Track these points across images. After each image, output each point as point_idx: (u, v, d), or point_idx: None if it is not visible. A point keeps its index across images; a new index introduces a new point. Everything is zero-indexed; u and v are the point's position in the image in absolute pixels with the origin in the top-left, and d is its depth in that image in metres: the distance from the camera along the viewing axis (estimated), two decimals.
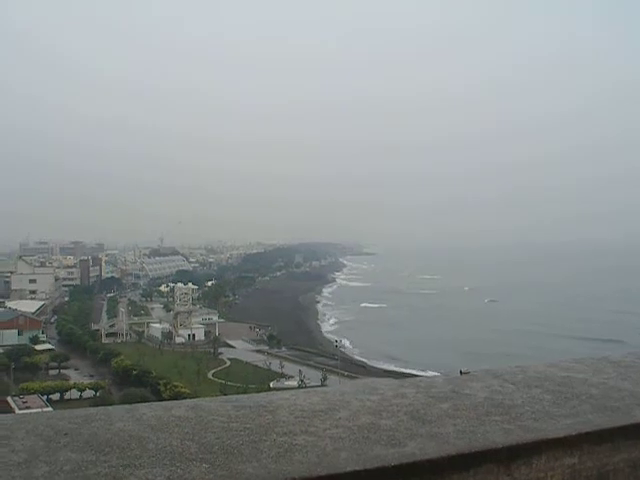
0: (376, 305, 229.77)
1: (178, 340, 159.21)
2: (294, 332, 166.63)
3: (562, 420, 4.61)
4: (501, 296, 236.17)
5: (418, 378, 6.13)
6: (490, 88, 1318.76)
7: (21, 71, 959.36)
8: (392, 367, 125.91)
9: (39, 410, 64.75)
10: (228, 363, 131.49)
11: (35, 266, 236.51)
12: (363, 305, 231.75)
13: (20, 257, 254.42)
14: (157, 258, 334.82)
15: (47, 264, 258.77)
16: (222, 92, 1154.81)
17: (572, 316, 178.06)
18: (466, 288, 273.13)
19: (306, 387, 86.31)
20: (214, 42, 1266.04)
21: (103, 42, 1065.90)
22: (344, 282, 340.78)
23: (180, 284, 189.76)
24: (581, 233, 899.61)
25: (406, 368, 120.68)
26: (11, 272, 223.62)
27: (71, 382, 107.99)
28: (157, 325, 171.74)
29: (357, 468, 3.78)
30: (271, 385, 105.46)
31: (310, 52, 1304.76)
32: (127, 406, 4.86)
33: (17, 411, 74.09)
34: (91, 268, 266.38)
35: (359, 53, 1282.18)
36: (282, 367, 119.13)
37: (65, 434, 4.11)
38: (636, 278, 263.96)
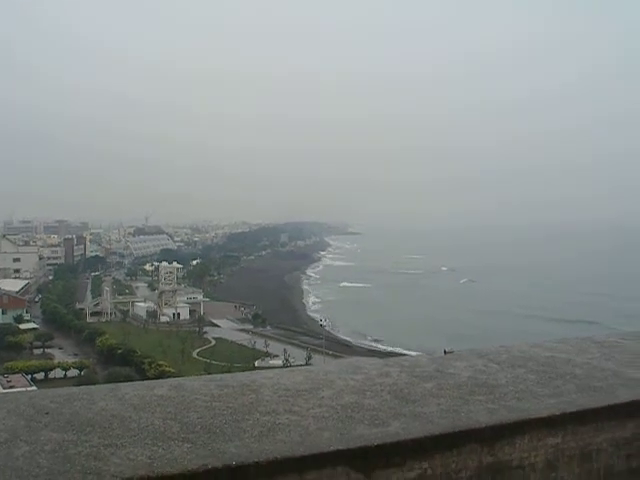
0: (360, 285, 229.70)
1: (163, 319, 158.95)
2: (279, 311, 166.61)
3: (546, 400, 4.63)
4: (481, 277, 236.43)
5: (402, 357, 6.14)
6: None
7: (16, 38, 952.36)
8: (376, 346, 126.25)
9: (22, 389, 64.71)
10: (213, 342, 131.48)
11: (19, 245, 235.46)
12: (347, 285, 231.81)
13: (4, 236, 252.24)
14: (142, 237, 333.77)
15: (31, 243, 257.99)
16: (205, 62, 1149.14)
17: (552, 298, 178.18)
18: (444, 268, 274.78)
19: (291, 366, 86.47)
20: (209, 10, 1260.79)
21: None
22: (329, 261, 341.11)
23: (165, 263, 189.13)
24: (581, 213, 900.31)
25: (390, 347, 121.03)
26: None
27: (55, 361, 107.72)
28: (142, 304, 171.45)
29: (340, 447, 3.79)
30: (256, 364, 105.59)
31: (297, 24, 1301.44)
32: (110, 385, 4.86)
33: (1, 390, 73.99)
34: (75, 247, 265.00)
35: (347, 28, 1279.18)
36: (267, 346, 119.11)
37: (46, 413, 4.11)
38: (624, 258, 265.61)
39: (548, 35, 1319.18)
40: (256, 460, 3.49)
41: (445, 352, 6.04)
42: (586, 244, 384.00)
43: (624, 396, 4.79)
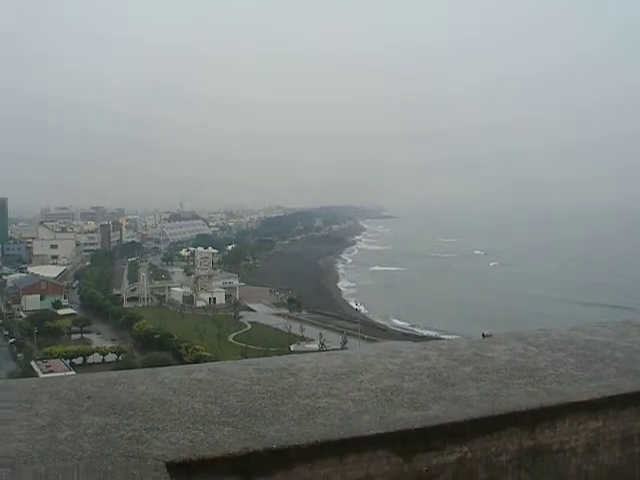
0: (394, 268, 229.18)
1: (199, 304, 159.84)
2: (314, 295, 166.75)
3: (586, 383, 4.60)
4: (512, 259, 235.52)
5: (440, 341, 6.13)
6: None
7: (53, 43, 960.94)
8: (412, 329, 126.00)
9: (62, 374, 65.49)
10: (249, 326, 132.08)
11: (56, 232, 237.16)
12: (381, 268, 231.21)
13: (41, 223, 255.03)
14: (177, 222, 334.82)
15: (68, 229, 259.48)
16: (237, 51, 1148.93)
17: (580, 280, 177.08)
18: (477, 252, 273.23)
19: (327, 350, 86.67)
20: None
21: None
22: (364, 245, 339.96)
23: (200, 248, 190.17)
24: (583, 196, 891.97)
25: (425, 331, 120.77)
26: (33, 238, 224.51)
27: (93, 346, 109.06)
28: (178, 289, 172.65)
29: (380, 431, 3.79)
30: (291, 348, 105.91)
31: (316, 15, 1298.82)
32: (149, 369, 4.90)
33: (40, 375, 74.86)
34: (112, 233, 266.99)
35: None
36: (302, 330, 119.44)
37: (88, 397, 4.15)
38: None
39: (534, 19, 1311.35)
40: (296, 443, 3.50)
41: (483, 335, 6.01)
42: (603, 225, 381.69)
43: None
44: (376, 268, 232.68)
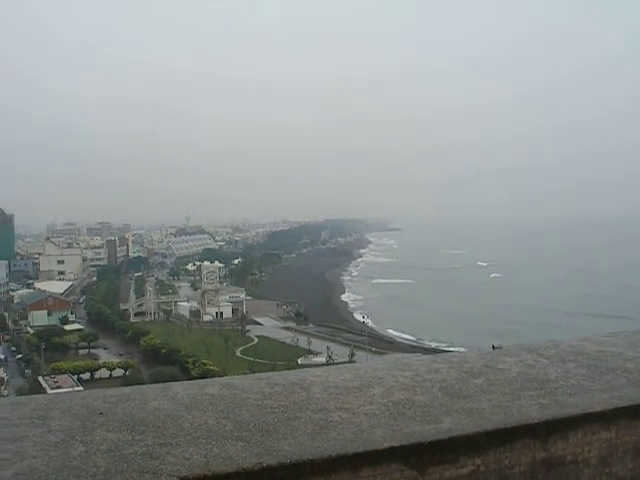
0: (401, 281, 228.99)
1: (206, 318, 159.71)
2: (321, 308, 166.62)
3: (598, 394, 4.59)
4: (514, 271, 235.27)
5: (450, 353, 6.15)
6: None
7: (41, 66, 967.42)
8: (420, 342, 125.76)
9: (70, 389, 65.51)
10: (256, 340, 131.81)
11: (63, 247, 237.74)
12: (387, 281, 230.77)
13: (48, 238, 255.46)
14: (183, 237, 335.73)
15: (74, 245, 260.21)
16: (239, 72, 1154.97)
17: (580, 291, 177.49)
18: (481, 263, 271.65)
19: (334, 363, 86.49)
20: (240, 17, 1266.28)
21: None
22: (370, 258, 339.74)
23: (207, 262, 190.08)
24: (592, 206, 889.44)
25: (434, 343, 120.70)
26: (39, 254, 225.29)
27: (101, 361, 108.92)
28: (185, 303, 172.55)
29: (394, 444, 3.80)
30: (299, 361, 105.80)
31: (325, 28, 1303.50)
32: (161, 385, 4.91)
33: (49, 391, 74.88)
34: (118, 248, 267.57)
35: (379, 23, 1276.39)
36: (310, 344, 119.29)
37: (100, 413, 4.16)
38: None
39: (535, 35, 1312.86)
40: (310, 458, 3.51)
41: (494, 347, 6.01)
42: (608, 235, 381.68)
43: None
44: (382, 281, 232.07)
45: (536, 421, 4.16)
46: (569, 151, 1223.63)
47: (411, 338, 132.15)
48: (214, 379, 5.19)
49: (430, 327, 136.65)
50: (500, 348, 6.04)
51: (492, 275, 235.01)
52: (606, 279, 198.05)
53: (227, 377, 5.36)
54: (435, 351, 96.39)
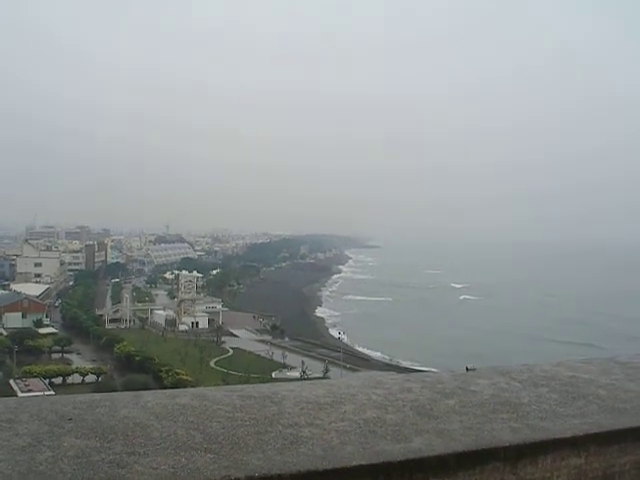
0: (379, 299, 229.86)
1: (181, 327, 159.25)
2: (297, 323, 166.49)
3: (569, 420, 4.59)
4: (487, 293, 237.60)
5: (424, 373, 6.13)
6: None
7: (27, 60, 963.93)
8: (395, 361, 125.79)
9: (41, 394, 65.02)
10: (231, 352, 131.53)
11: (41, 250, 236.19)
12: (366, 298, 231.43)
13: (26, 240, 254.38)
14: (162, 245, 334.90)
15: (53, 248, 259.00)
16: (224, 82, 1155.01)
17: (551, 316, 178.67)
18: (455, 285, 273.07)
19: (309, 378, 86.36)
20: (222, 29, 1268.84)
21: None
22: (349, 274, 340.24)
23: (185, 272, 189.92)
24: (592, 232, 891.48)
25: (408, 362, 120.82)
26: (17, 255, 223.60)
27: (73, 366, 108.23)
28: (161, 312, 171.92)
29: (363, 462, 3.77)
30: (273, 375, 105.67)
31: (307, 44, 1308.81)
32: (132, 393, 4.86)
33: (19, 394, 74.40)
34: (96, 253, 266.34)
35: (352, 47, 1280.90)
36: (285, 357, 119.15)
37: (69, 419, 4.12)
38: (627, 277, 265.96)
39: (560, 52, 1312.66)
40: (279, 473, 3.47)
41: (467, 369, 6.01)
42: (608, 260, 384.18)
43: None
44: (359, 297, 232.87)
45: (507, 444, 4.14)
46: (581, 177, 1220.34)
47: (384, 356, 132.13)
48: (186, 389, 5.15)
49: (402, 346, 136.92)
50: (474, 370, 6.04)
51: (462, 297, 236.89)
52: (583, 305, 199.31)
53: (199, 388, 5.33)
54: (409, 370, 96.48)
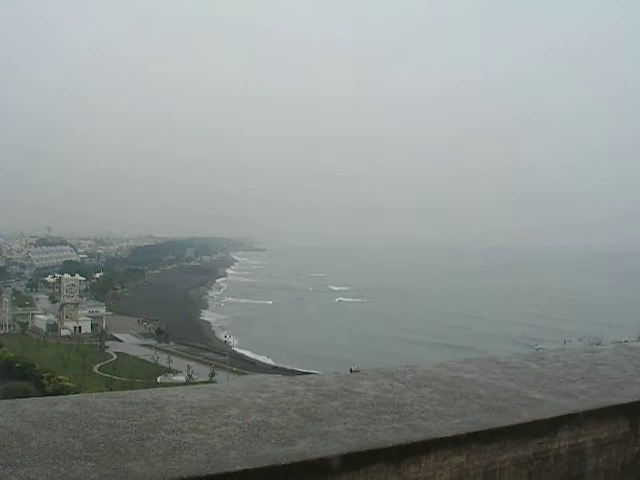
0: (265, 302, 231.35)
1: (64, 332, 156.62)
2: (183, 326, 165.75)
3: (451, 419, 4.66)
4: (364, 297, 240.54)
5: (308, 376, 6.11)
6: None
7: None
8: (282, 365, 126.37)
9: None
10: (115, 357, 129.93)
11: None
12: (251, 301, 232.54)
13: None
14: (44, 248, 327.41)
15: None
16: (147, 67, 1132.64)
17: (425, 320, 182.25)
18: (333, 287, 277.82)
19: (195, 383, 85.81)
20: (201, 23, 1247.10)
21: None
22: (235, 277, 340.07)
23: (67, 275, 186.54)
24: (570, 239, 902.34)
25: (295, 366, 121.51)
26: None
27: None
28: (42, 316, 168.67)
29: (247, 467, 3.73)
30: (158, 380, 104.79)
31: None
32: (8, 401, 4.69)
33: None
34: None
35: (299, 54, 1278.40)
36: (170, 362, 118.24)
37: None
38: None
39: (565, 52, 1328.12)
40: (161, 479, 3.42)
41: (351, 370, 6.03)
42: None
43: (526, 416, 4.86)
44: (244, 300, 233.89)
45: (390, 445, 4.16)
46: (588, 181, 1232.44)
47: (269, 360, 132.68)
48: (66, 396, 4.99)
49: (279, 348, 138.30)
50: (358, 372, 6.07)
51: (337, 299, 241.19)
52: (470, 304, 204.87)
53: (79, 395, 5.17)
54: (294, 373, 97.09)
